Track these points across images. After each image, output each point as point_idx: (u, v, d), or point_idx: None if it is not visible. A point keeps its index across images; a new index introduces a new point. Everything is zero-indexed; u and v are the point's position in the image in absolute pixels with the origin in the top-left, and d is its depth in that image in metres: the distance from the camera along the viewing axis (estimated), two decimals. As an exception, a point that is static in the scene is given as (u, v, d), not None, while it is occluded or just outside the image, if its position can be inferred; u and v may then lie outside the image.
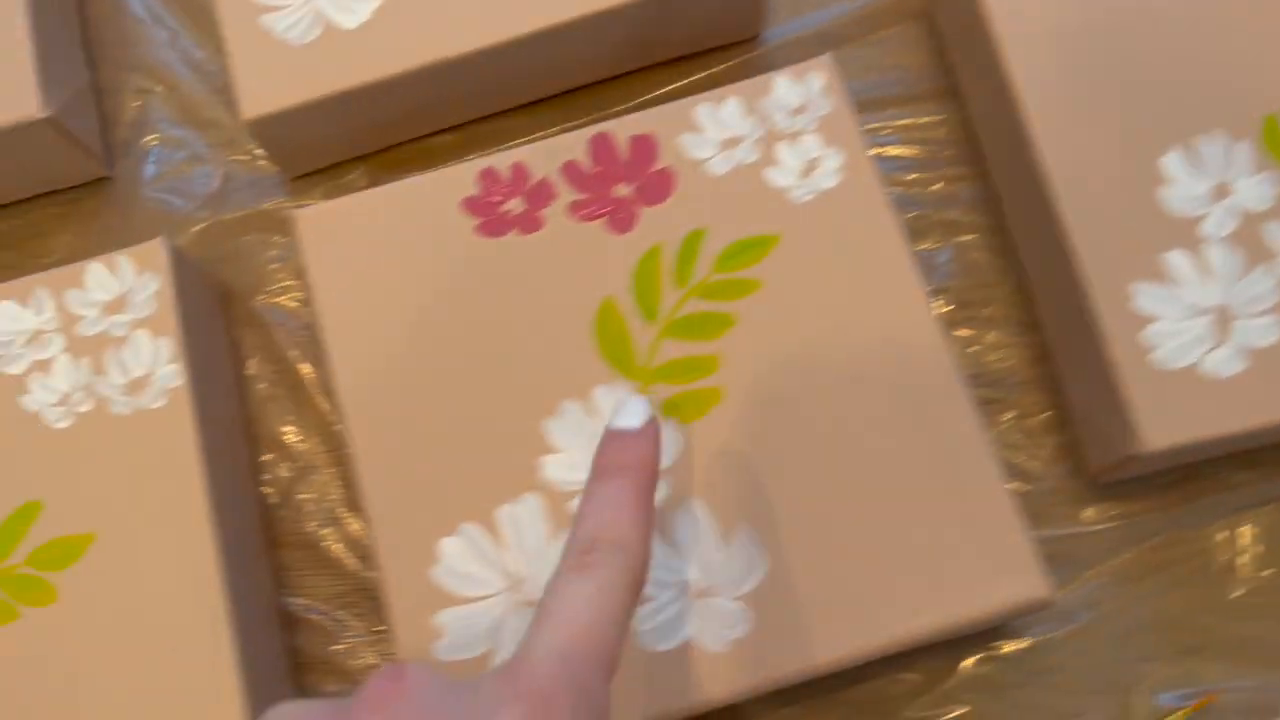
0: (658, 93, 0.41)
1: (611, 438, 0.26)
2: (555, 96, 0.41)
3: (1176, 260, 0.33)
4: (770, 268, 0.34)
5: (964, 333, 0.38)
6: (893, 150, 0.40)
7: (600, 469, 0.25)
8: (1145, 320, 0.33)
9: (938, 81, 0.41)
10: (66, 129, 0.37)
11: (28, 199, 0.41)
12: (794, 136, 0.35)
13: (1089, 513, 0.36)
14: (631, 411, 0.26)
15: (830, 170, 0.35)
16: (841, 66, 0.36)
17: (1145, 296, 0.33)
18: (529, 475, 0.32)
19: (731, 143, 0.35)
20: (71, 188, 0.41)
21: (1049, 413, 0.37)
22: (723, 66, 0.41)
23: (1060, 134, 0.35)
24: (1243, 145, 0.34)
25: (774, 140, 0.35)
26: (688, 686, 0.30)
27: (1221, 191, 0.34)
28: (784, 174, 0.35)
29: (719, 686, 0.30)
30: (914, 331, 0.33)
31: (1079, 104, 0.35)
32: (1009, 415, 0.37)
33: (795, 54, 0.41)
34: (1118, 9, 0.36)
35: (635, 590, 0.23)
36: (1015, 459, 0.37)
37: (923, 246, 0.39)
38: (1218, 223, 0.34)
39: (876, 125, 0.40)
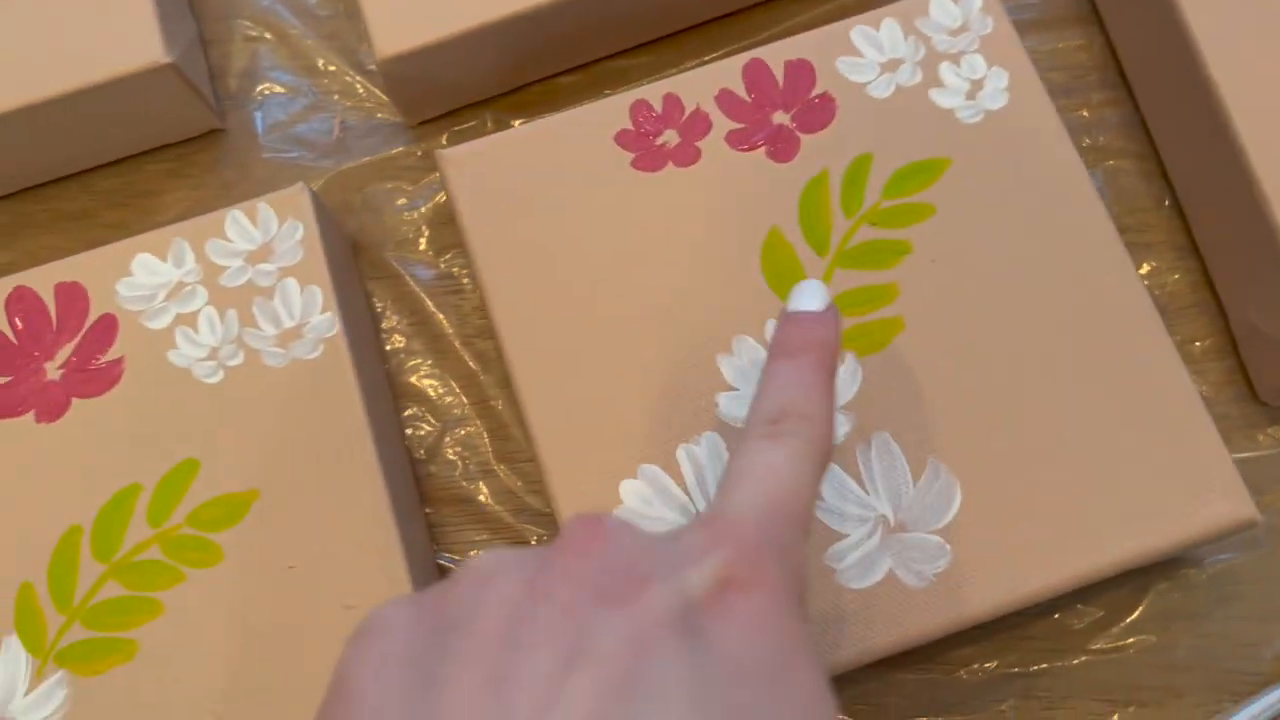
0: (781, 26, 0.40)
1: (791, 319, 0.25)
2: (674, 35, 0.40)
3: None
4: (943, 192, 0.33)
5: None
6: (1034, 76, 0.39)
7: (780, 348, 0.25)
8: (1333, 231, 0.32)
9: (1076, 6, 0.40)
10: (186, 77, 0.36)
11: (135, 155, 0.39)
12: (956, 57, 0.34)
13: (1262, 437, 0.35)
14: (810, 294, 0.26)
15: (997, 90, 0.34)
16: None
17: (1332, 207, 0.32)
18: (706, 414, 0.31)
19: (892, 65, 0.34)
20: (181, 143, 0.39)
21: (1211, 338, 0.36)
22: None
23: (1229, 49, 0.34)
24: None
25: (936, 61, 0.34)
26: (889, 623, 0.29)
27: None
28: (949, 95, 0.34)
29: (921, 623, 0.29)
30: (1098, 251, 0.32)
31: (1245, 15, 0.34)
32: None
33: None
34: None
35: (823, 463, 0.23)
36: (1182, 386, 0.36)
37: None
38: None
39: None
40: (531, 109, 0.39)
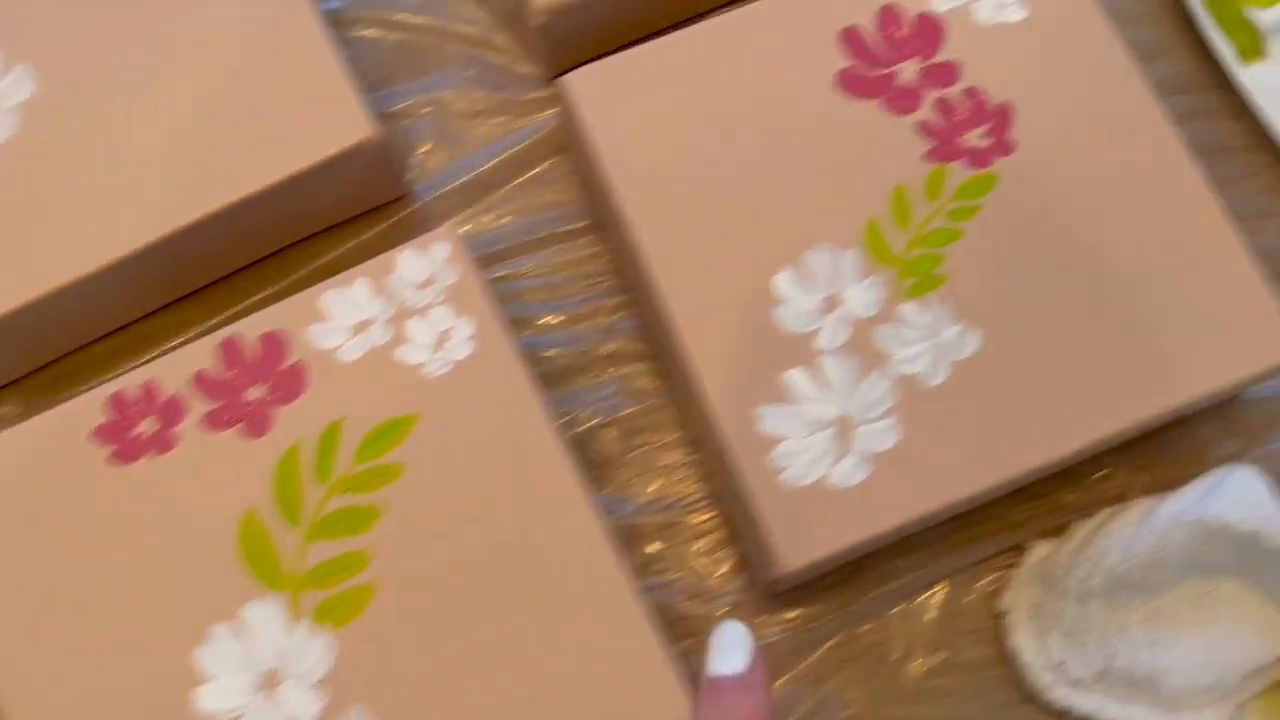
0: (315, 265, 0.41)
1: (712, 690, 0.22)
2: (217, 282, 0.41)
3: (795, 378, 0.35)
4: (411, 449, 0.34)
5: (636, 454, 0.39)
6: (551, 288, 0.41)
7: None
8: (772, 441, 0.34)
9: (590, 214, 0.42)
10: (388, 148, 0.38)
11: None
12: (424, 311, 0.35)
13: (770, 622, 0.37)
14: (730, 648, 0.22)
15: (462, 340, 0.35)
16: (498, 210, 0.40)
17: (770, 418, 0.34)
18: (183, 711, 0.32)
19: (362, 326, 0.35)
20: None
21: (724, 529, 0.38)
22: (376, 230, 0.41)
23: (676, 265, 0.36)
24: (849, 254, 0.36)
25: (404, 318, 0.35)
26: None
27: (832, 303, 0.35)
28: (416, 350, 0.35)
29: None
30: (556, 492, 0.33)
31: (691, 234, 0.36)
32: (685, 535, 0.38)
33: (449, 206, 0.42)
34: (719, 140, 0.37)
35: None
36: (694, 577, 0.38)
37: (584, 383, 0.40)
38: (831, 334, 0.35)
39: (536, 265, 0.41)
40: (60, 386, 0.40)
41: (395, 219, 0.42)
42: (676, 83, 0.38)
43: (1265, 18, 0.42)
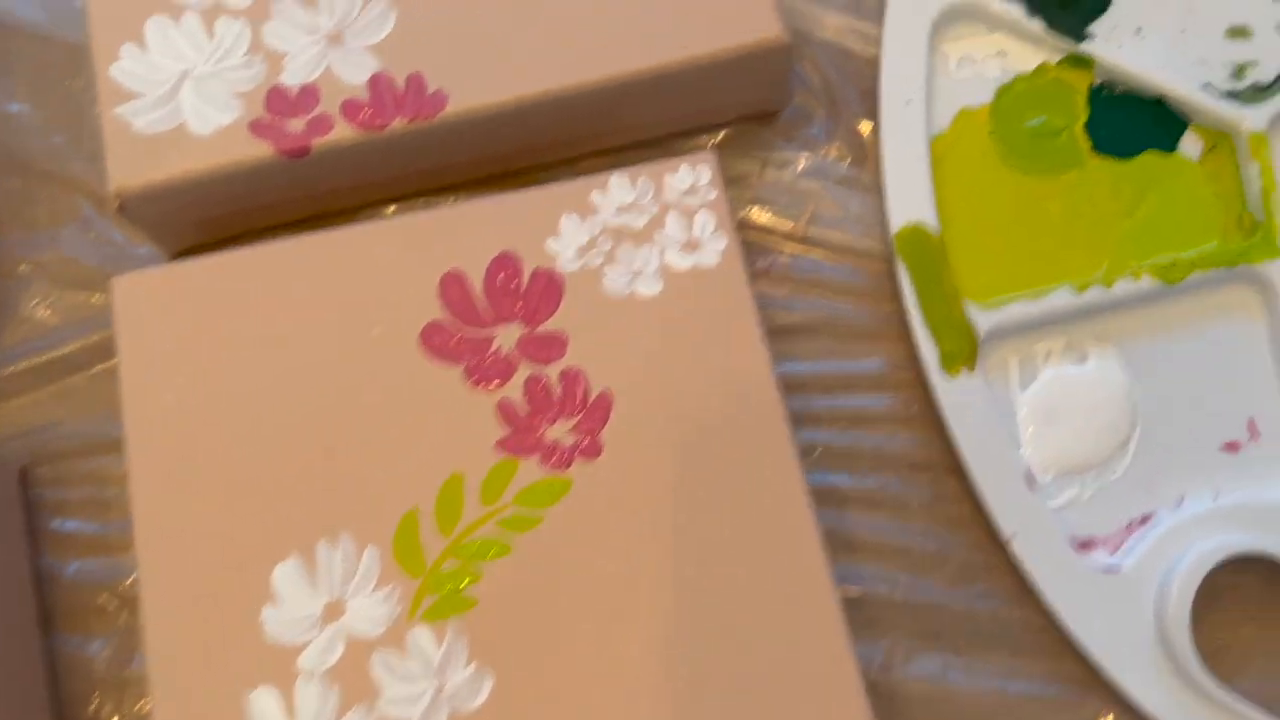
0: None
1: None
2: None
3: (261, 702, 0.28)
4: None
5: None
6: (99, 505, 0.35)
7: None
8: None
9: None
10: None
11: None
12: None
13: None
14: None
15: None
16: (69, 399, 0.35)
17: (211, 749, 0.28)
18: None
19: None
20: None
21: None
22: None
23: (162, 527, 0.30)
24: (370, 552, 0.30)
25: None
26: None
27: (334, 611, 0.29)
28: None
29: None
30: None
31: (193, 494, 0.30)
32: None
33: (18, 385, 0.36)
34: (262, 385, 0.31)
35: None
36: None
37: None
38: (319, 653, 0.29)
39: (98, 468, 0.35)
40: None
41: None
42: (238, 306, 0.32)
43: (984, 321, 0.36)
